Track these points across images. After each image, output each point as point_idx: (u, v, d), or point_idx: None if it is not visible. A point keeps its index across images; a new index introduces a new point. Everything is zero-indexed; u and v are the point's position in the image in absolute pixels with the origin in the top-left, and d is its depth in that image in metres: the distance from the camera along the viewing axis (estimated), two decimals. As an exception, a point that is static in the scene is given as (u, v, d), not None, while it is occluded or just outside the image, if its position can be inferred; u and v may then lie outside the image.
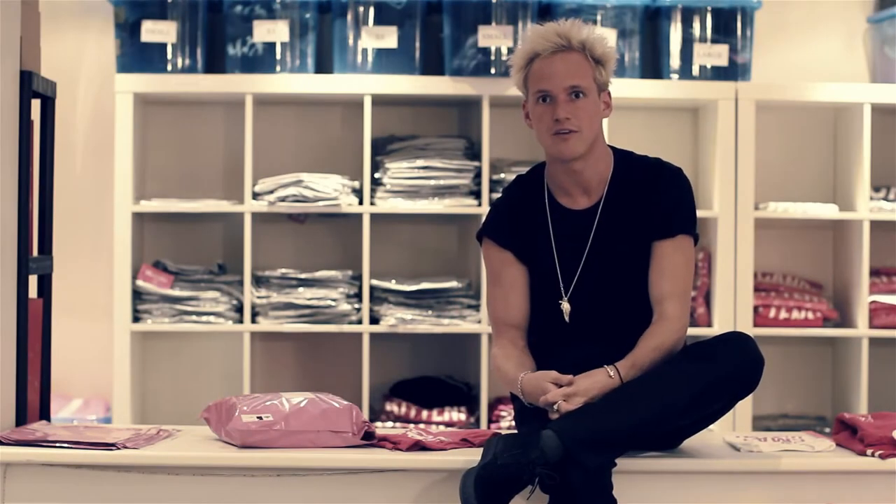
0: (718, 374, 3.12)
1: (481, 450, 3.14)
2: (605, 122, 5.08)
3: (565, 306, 3.30)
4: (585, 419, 3.03)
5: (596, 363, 3.15)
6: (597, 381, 3.11)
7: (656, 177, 3.31)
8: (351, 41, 5.16)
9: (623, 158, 3.36)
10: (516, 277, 3.35)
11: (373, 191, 5.17)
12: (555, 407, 3.07)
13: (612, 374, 3.12)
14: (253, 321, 5.15)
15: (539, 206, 3.35)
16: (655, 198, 3.28)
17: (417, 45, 5.18)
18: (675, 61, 5.22)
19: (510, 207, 3.39)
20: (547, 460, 2.96)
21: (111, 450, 3.22)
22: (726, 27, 5.21)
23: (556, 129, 3.23)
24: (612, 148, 3.38)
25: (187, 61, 5.16)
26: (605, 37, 3.31)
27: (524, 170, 3.51)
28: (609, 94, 3.33)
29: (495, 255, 3.37)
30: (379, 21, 5.15)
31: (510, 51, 5.11)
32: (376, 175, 5.17)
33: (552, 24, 3.29)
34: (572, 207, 3.33)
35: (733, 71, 5.22)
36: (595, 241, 3.29)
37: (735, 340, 3.20)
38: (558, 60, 3.25)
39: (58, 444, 3.24)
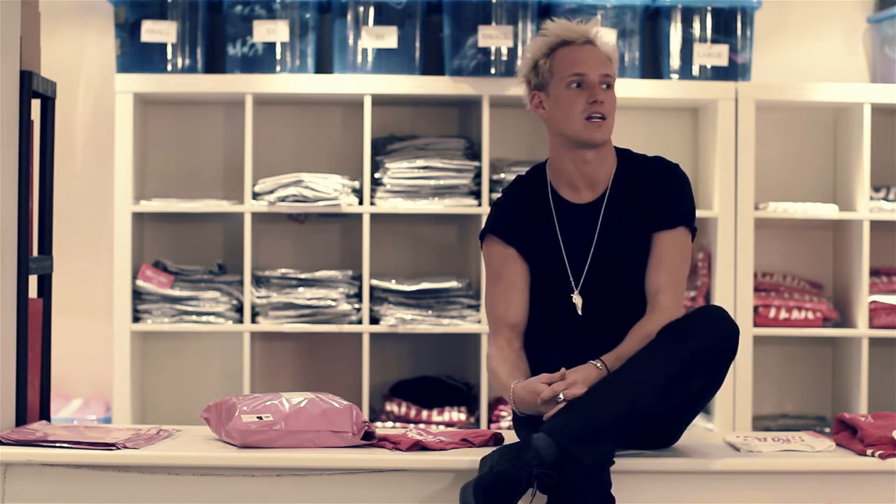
0: (694, 349, 3.12)
1: (481, 450, 3.15)
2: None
3: (577, 299, 3.31)
4: (573, 416, 3.04)
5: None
6: (589, 372, 3.13)
7: (657, 171, 3.36)
8: (351, 41, 5.16)
9: (624, 155, 3.41)
10: (517, 276, 3.36)
11: (373, 191, 5.17)
12: (559, 398, 3.07)
13: (599, 366, 3.15)
14: (253, 321, 5.15)
15: (543, 202, 3.37)
16: (657, 191, 3.33)
17: (417, 45, 5.18)
18: (675, 61, 5.22)
19: (514, 204, 3.40)
20: (542, 461, 2.96)
21: (111, 450, 3.22)
22: (726, 27, 5.21)
23: (591, 111, 3.28)
24: (614, 146, 3.42)
25: (187, 61, 5.16)
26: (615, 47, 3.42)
27: (524, 170, 3.52)
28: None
29: (498, 253, 3.38)
30: (379, 21, 5.15)
31: (510, 51, 5.11)
32: (376, 175, 5.17)
33: (576, 22, 3.36)
34: (576, 201, 3.35)
35: (733, 71, 5.22)
36: (601, 234, 3.32)
37: (708, 313, 3.22)
38: (591, 50, 3.33)
39: (58, 444, 3.24)
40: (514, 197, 3.42)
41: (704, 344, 3.14)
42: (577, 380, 3.10)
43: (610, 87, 3.32)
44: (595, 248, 3.31)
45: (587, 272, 3.31)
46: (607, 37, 3.39)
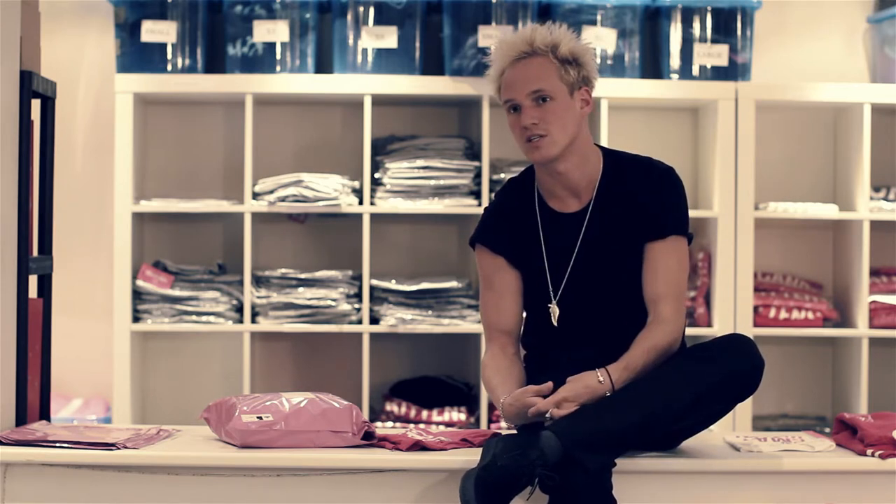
0: (718, 377, 3.11)
1: (481, 450, 3.14)
2: (604, 122, 5.13)
3: (553, 309, 3.30)
4: (584, 420, 3.03)
5: (585, 366, 3.14)
6: (587, 385, 3.09)
7: (646, 177, 3.28)
8: (351, 41, 5.17)
9: (612, 159, 3.33)
10: (509, 283, 3.34)
11: (373, 191, 5.17)
12: (547, 415, 3.06)
13: (602, 378, 3.10)
14: (253, 321, 5.15)
15: (530, 211, 3.34)
16: (646, 199, 3.25)
17: (417, 45, 5.19)
18: (675, 61, 5.22)
19: (502, 212, 3.38)
20: (546, 461, 2.95)
21: (111, 450, 3.22)
22: (726, 27, 5.21)
23: (526, 136, 3.23)
24: (602, 148, 3.36)
25: (187, 61, 5.16)
26: (574, 36, 3.26)
27: (523, 170, 3.50)
28: (588, 90, 3.26)
29: (488, 261, 3.37)
30: (379, 21, 5.15)
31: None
32: (376, 175, 5.17)
33: (518, 31, 3.28)
34: (562, 211, 3.32)
35: (733, 71, 5.22)
36: (583, 245, 3.28)
37: (735, 343, 3.19)
38: (520, 68, 3.23)
39: (58, 444, 3.24)
40: (503, 204, 3.39)
41: (731, 373, 3.12)
42: (570, 397, 3.07)
43: (548, 99, 3.20)
44: (575, 260, 3.28)
45: (565, 284, 3.28)
46: (567, 36, 3.22)
